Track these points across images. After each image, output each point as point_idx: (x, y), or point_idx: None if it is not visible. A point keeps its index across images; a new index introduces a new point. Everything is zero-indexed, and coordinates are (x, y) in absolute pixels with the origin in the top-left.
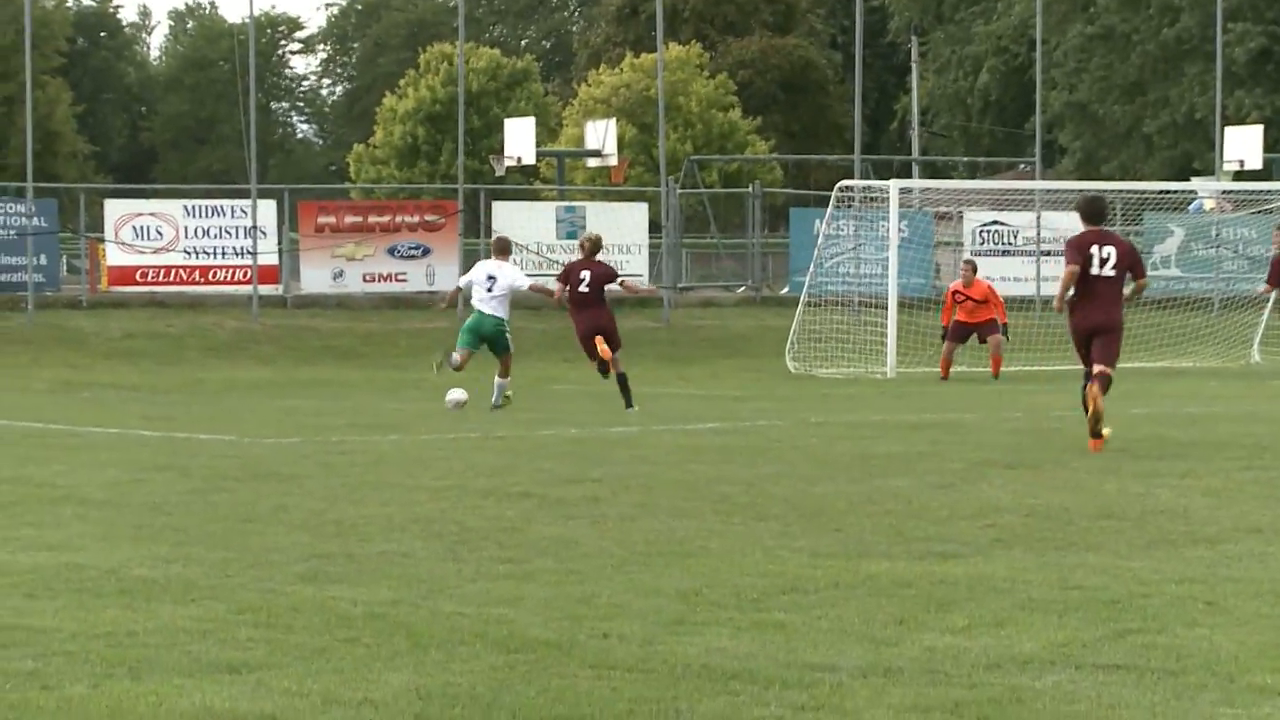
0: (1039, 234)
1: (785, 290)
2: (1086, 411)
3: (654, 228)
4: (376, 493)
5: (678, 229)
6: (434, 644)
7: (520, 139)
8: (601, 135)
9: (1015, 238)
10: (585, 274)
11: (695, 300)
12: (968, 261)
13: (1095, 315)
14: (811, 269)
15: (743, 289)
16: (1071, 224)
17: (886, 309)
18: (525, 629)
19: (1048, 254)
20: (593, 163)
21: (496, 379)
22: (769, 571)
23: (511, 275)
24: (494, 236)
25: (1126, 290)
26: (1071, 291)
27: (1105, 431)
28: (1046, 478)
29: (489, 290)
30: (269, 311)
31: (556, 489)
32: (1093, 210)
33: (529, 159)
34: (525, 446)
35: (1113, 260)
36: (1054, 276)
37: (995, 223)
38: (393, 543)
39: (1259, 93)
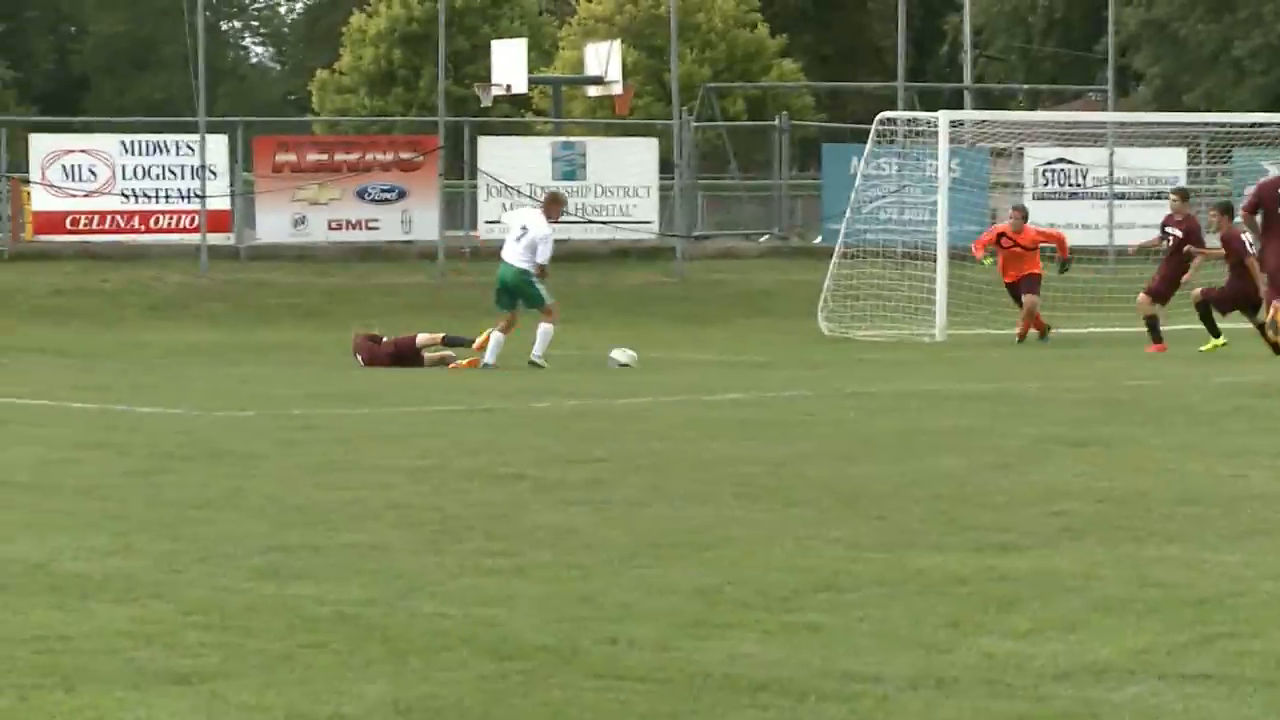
0: (1111, 174)
1: (817, 240)
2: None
3: (665, 167)
4: (345, 475)
5: (692, 168)
6: (413, 650)
7: (510, 64)
8: (604, 59)
9: (1084, 178)
10: None
11: (713, 251)
12: (1017, 208)
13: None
14: (848, 215)
15: (767, 238)
16: (1147, 161)
17: (935, 261)
18: (519, 633)
19: (1122, 197)
20: (594, 91)
21: (541, 325)
22: (801, 566)
23: (539, 232)
24: (549, 191)
25: None
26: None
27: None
28: (1121, 457)
29: (517, 239)
30: (219, 264)
31: (553, 470)
32: None
33: (520, 87)
34: (517, 421)
35: None
36: (1128, 224)
37: (1061, 160)
38: (364, 533)
39: None
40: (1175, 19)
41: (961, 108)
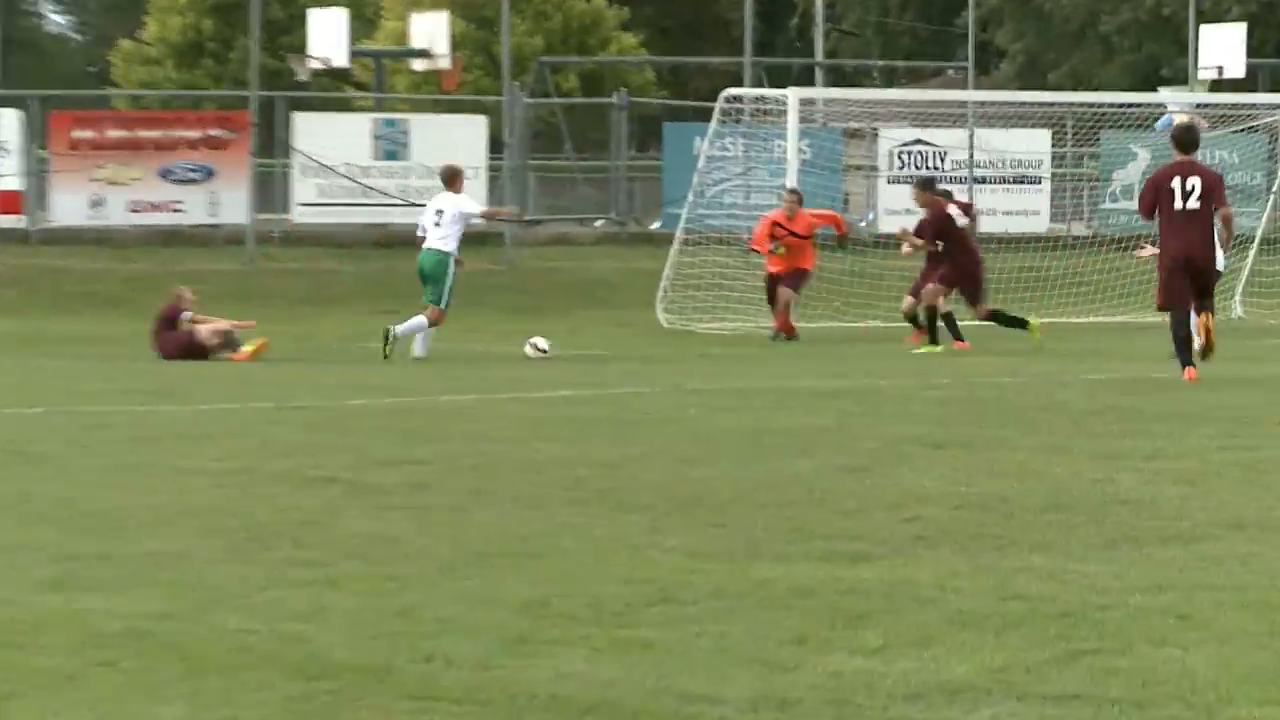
0: (972, 156)
1: (657, 225)
2: (1180, 346)
3: (495, 147)
4: (143, 478)
5: (524, 148)
6: (214, 669)
7: (329, 35)
8: (430, 30)
9: (943, 161)
10: None
11: (545, 237)
12: (791, 191)
13: (1182, 249)
14: (690, 199)
15: (604, 223)
16: (1010, 143)
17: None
18: (329, 650)
19: (983, 181)
20: (419, 65)
21: (420, 317)
22: (636, 577)
23: (459, 202)
24: (441, 165)
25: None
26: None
27: (1192, 370)
28: (982, 460)
29: (436, 224)
30: (10, 248)
31: (370, 473)
32: (1186, 140)
33: (340, 60)
34: (330, 419)
35: (1197, 191)
36: (990, 210)
37: (918, 142)
38: (163, 540)
39: None
40: None
41: (812, 85)
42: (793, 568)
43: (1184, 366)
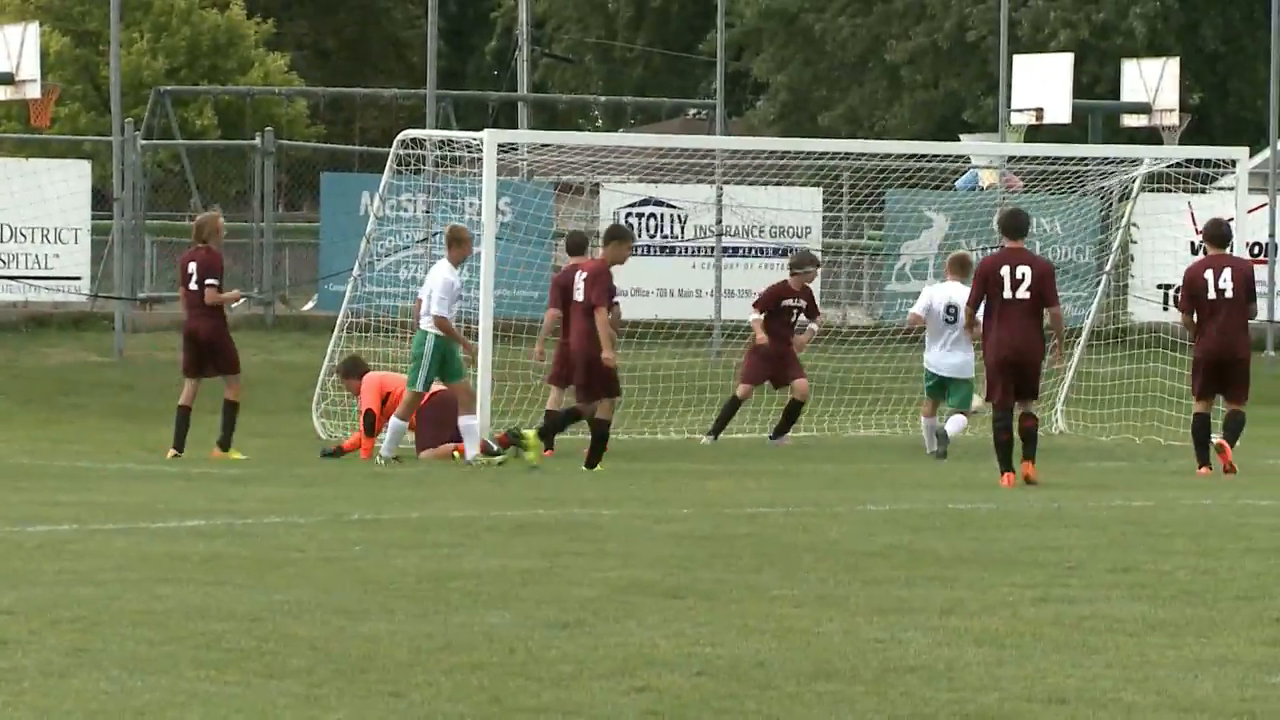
0: (720, 221)
1: (311, 305)
2: (1000, 450)
3: (101, 201)
4: None
5: (140, 203)
6: None
7: None
8: (15, 48)
9: (683, 225)
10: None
11: (167, 320)
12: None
13: (1008, 344)
14: (356, 273)
15: (243, 302)
16: (770, 204)
17: (476, 338)
18: None
19: (734, 252)
20: None
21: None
22: None
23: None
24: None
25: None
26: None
27: (1025, 470)
28: (731, 613)
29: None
30: None
31: None
32: (1015, 225)
33: None
34: None
35: (1027, 281)
36: (743, 289)
37: (651, 202)
38: None
39: (1068, 1)
40: (809, 9)
41: (515, 125)
42: None
43: (1002, 473)
